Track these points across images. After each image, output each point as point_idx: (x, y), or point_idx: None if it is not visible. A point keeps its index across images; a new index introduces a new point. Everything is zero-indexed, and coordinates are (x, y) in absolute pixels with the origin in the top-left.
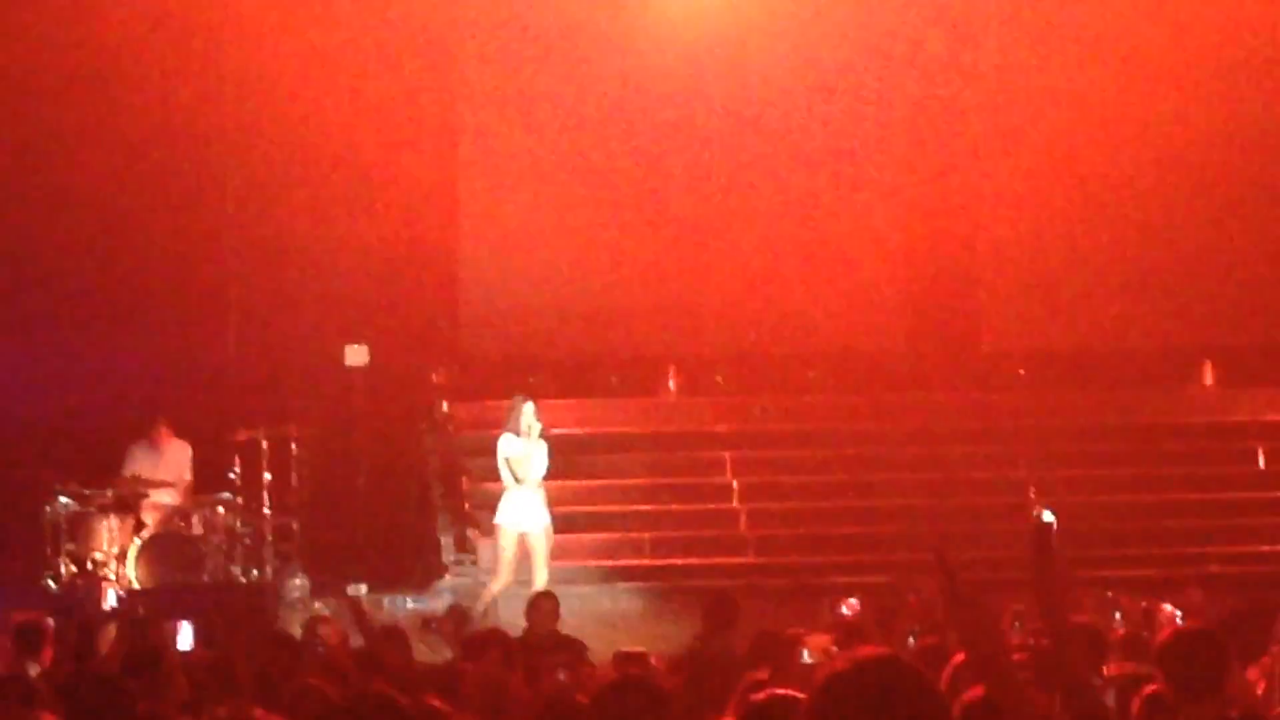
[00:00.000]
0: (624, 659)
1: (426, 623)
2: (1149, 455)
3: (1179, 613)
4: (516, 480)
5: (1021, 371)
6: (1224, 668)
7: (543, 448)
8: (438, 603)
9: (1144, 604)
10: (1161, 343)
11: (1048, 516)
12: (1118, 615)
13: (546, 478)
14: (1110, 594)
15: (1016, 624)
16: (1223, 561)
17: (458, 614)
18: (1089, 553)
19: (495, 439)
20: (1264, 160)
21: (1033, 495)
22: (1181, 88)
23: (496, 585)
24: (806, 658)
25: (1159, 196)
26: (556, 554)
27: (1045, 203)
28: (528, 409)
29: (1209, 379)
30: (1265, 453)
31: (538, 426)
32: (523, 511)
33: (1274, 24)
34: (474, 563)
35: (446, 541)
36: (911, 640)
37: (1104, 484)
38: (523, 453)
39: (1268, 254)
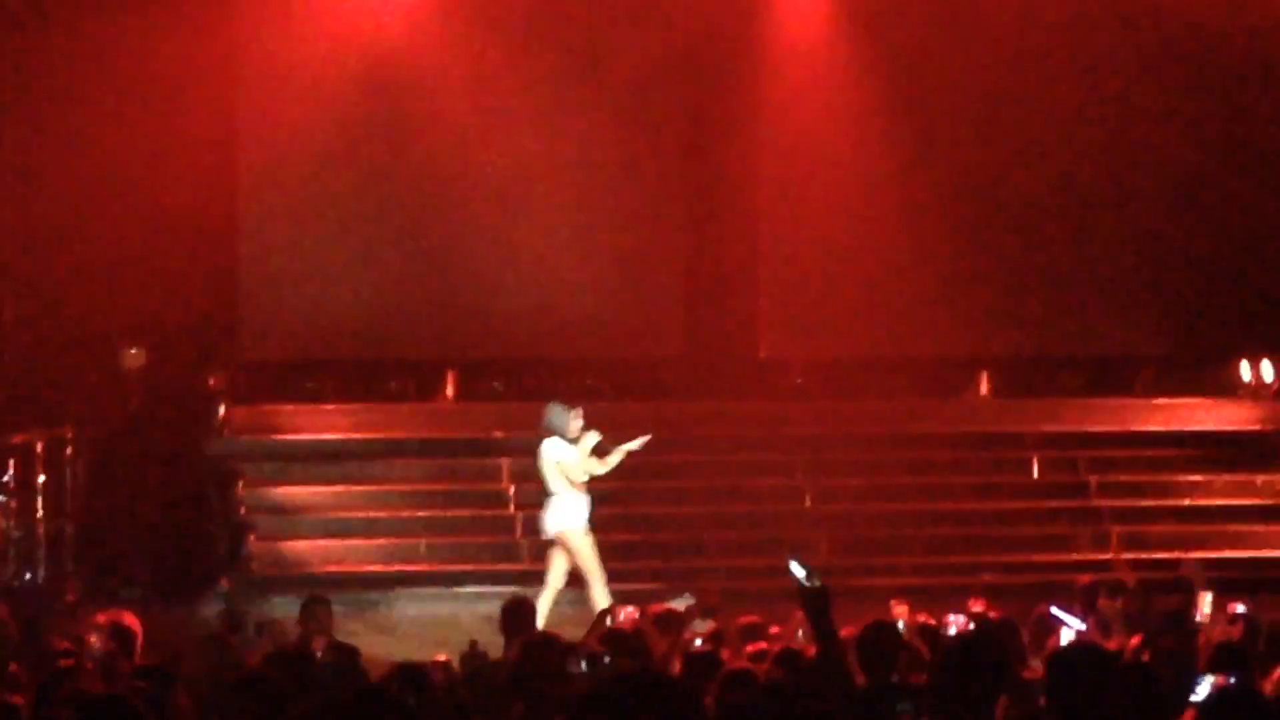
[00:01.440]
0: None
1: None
2: (925, 464)
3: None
4: (572, 484)
5: (799, 380)
6: (1001, 674)
7: (586, 448)
8: (209, 609)
9: (923, 616)
10: (938, 353)
11: (797, 570)
12: (900, 625)
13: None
14: (893, 603)
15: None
16: (997, 571)
17: (229, 619)
18: (865, 561)
19: (286, 443)
20: (1040, 174)
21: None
22: (964, 96)
23: (599, 588)
24: (583, 667)
25: (936, 206)
26: (331, 561)
27: (825, 211)
28: (559, 411)
29: (984, 389)
30: (1039, 462)
31: (579, 425)
32: (582, 513)
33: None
34: (249, 568)
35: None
36: (699, 642)
37: (880, 492)
38: (574, 458)
39: (1041, 265)
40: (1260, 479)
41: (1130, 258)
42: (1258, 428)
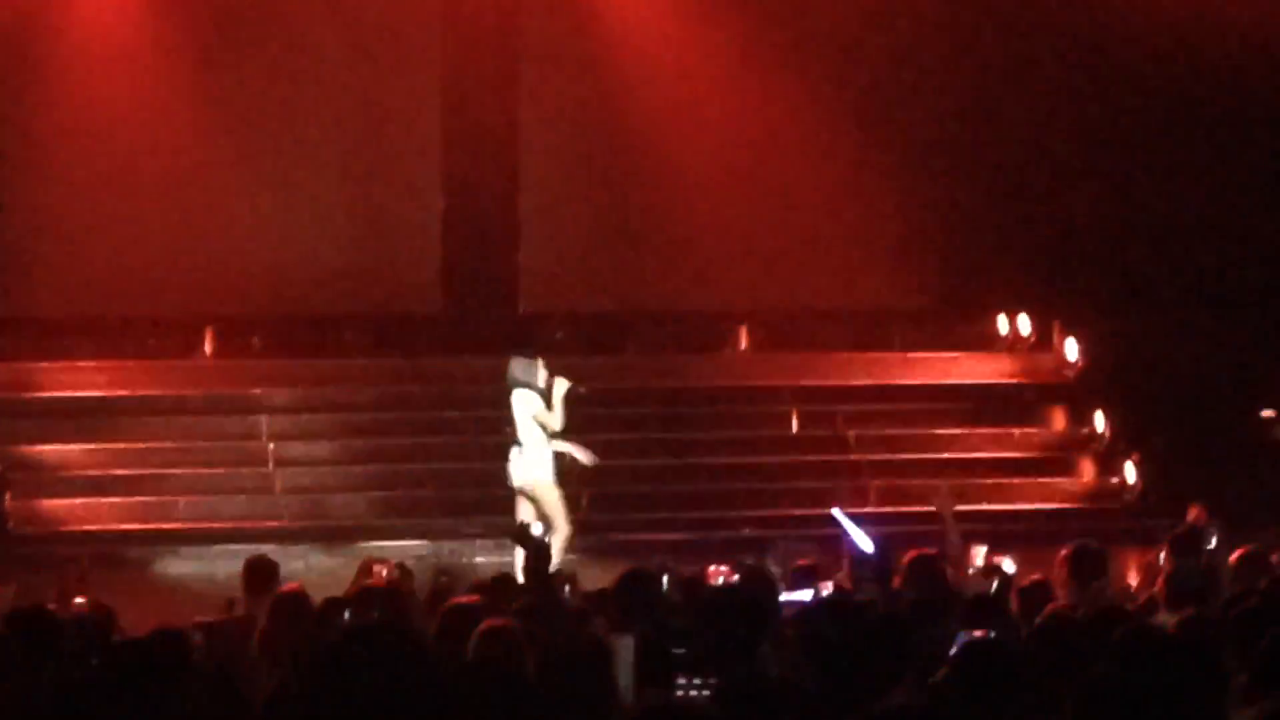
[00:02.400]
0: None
1: None
2: (685, 419)
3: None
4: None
5: (559, 335)
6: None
7: (538, 400)
8: None
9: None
10: (698, 307)
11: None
12: (665, 580)
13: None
14: (658, 559)
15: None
16: (757, 525)
17: None
18: (624, 517)
19: (43, 400)
20: (797, 130)
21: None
22: (726, 63)
23: (561, 536)
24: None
25: (694, 161)
26: (89, 519)
27: (585, 164)
28: (539, 365)
29: (744, 343)
30: (798, 416)
31: (539, 377)
32: (550, 464)
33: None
34: (5, 527)
35: None
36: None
37: (639, 448)
38: (546, 408)
39: (798, 220)
40: (1017, 432)
41: (887, 212)
42: (1015, 381)
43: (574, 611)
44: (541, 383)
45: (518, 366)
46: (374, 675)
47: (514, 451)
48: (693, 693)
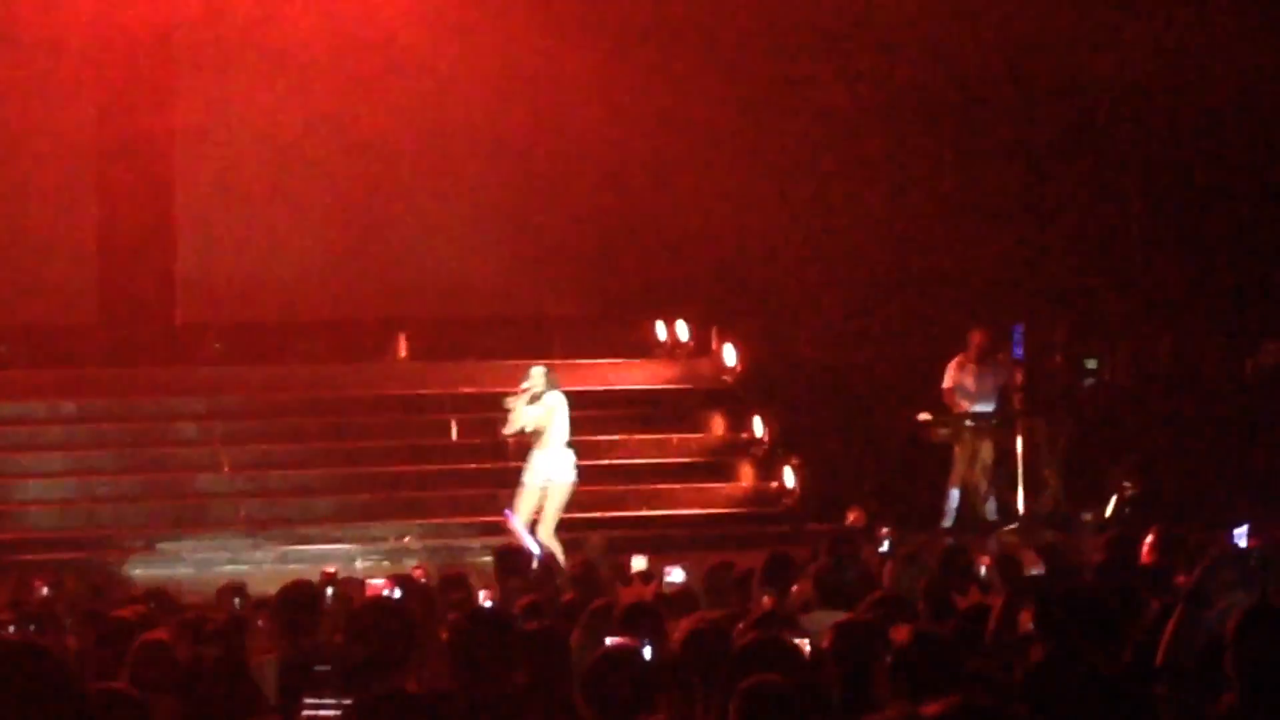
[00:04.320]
0: None
1: None
2: (346, 428)
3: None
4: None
5: (218, 345)
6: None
7: (561, 406)
8: None
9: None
10: (355, 316)
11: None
12: (329, 592)
13: None
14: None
15: None
16: (421, 534)
17: None
18: (288, 530)
19: None
20: (452, 141)
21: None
22: (384, 72)
23: (545, 531)
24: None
25: (345, 168)
26: None
27: (242, 174)
28: (537, 373)
29: (403, 351)
30: (458, 425)
31: (554, 387)
32: (548, 466)
33: None
34: None
35: None
36: None
37: (301, 458)
38: (540, 415)
39: (456, 228)
40: (676, 438)
41: (543, 220)
42: (674, 387)
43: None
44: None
45: (549, 373)
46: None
47: (542, 451)
48: (322, 713)
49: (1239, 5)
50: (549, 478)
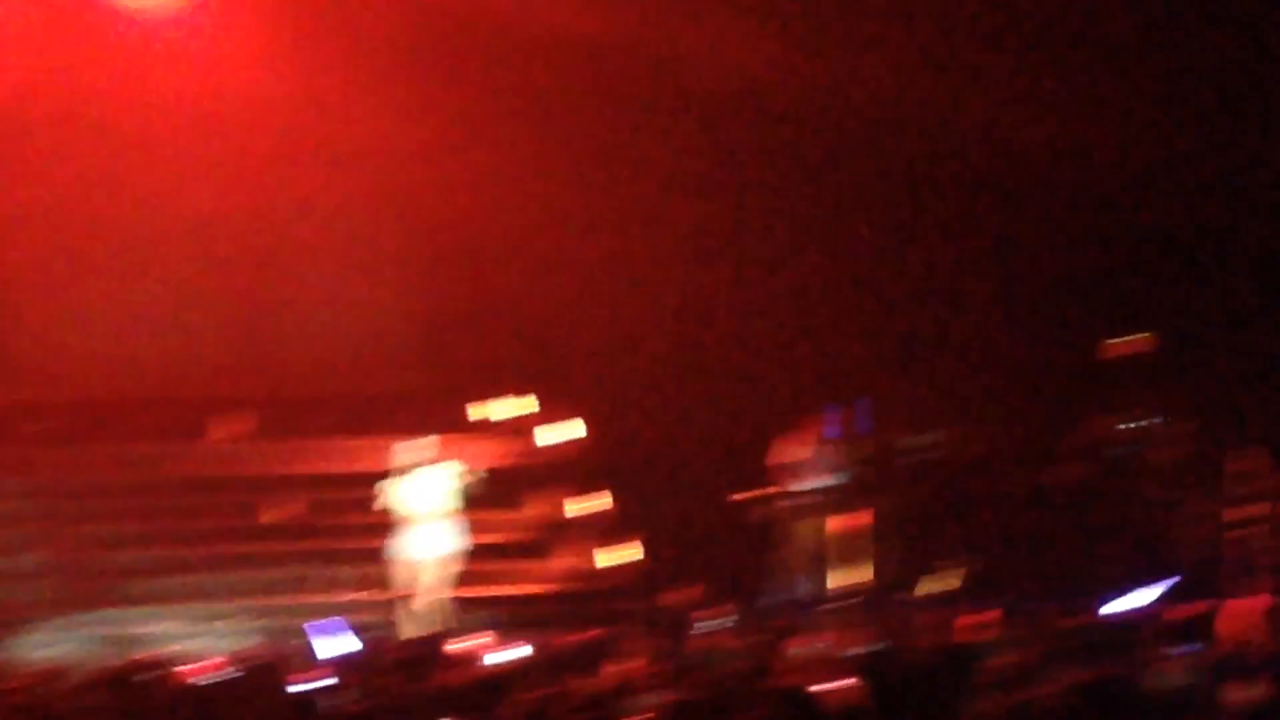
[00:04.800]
0: None
1: None
2: (166, 509)
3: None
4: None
5: (36, 425)
6: None
7: (439, 479)
8: None
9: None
10: (179, 393)
11: None
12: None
13: None
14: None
15: None
16: (246, 615)
17: None
18: (100, 612)
19: None
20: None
21: None
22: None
23: (414, 611)
24: None
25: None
26: None
27: (49, 247)
28: (413, 447)
29: (228, 431)
30: (286, 503)
31: (432, 459)
32: (425, 540)
33: None
34: None
35: None
36: None
37: (122, 538)
38: (418, 488)
39: (274, 306)
40: (511, 515)
41: (370, 295)
42: (502, 464)
43: None
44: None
45: (417, 447)
46: None
47: (421, 526)
48: None
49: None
50: (429, 551)
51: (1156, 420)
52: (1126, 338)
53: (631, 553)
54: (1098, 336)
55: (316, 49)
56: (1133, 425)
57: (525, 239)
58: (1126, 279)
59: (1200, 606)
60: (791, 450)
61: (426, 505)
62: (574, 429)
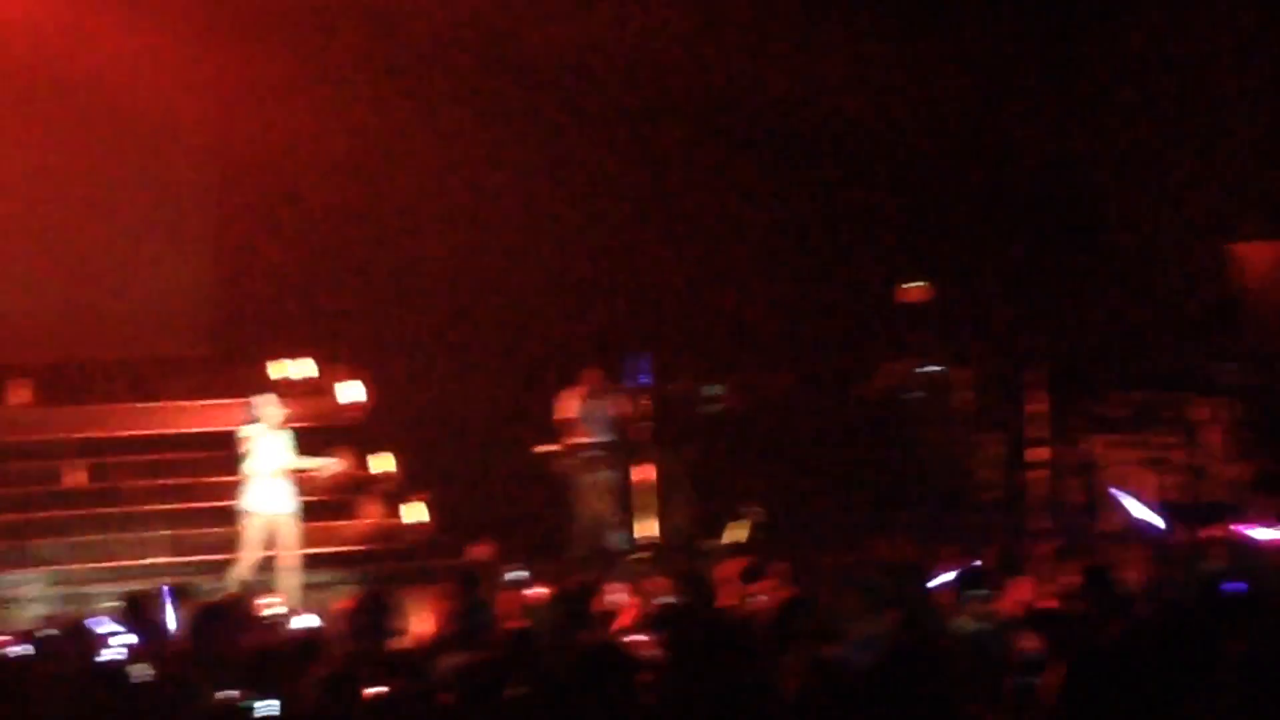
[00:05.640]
0: None
1: None
2: None
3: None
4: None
5: None
6: None
7: (284, 437)
8: None
9: None
10: None
11: None
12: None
13: None
14: None
15: None
16: (45, 583)
17: None
18: None
19: None
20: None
21: None
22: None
23: (243, 566)
24: None
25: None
26: None
27: None
28: (261, 400)
29: (18, 397)
30: (78, 470)
31: (277, 417)
32: (267, 497)
33: None
34: None
35: None
36: None
37: None
38: (261, 441)
39: (69, 273)
40: (300, 476)
41: (165, 261)
42: (297, 425)
43: None
44: (264, 418)
45: (267, 403)
46: None
47: (262, 481)
48: None
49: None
50: (276, 509)
51: (942, 366)
52: (911, 284)
53: (422, 511)
54: (883, 282)
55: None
56: (921, 370)
57: (314, 192)
58: (910, 224)
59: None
60: (575, 404)
61: (255, 459)
62: (356, 390)
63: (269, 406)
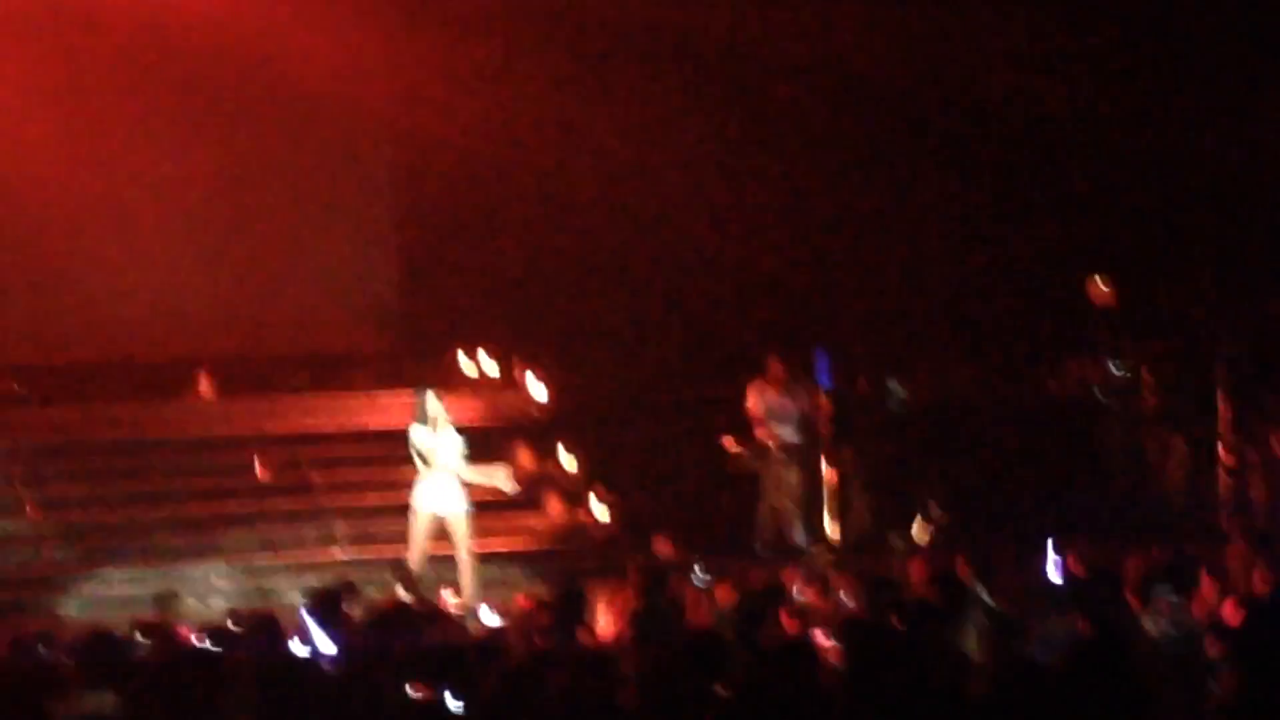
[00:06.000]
0: None
1: None
2: (148, 469)
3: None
4: (426, 466)
5: (17, 387)
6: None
7: (453, 434)
8: None
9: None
10: (159, 354)
11: None
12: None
13: None
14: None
15: None
16: (230, 575)
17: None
18: (97, 570)
19: None
20: (241, 180)
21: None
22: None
23: (412, 564)
24: None
25: (154, 203)
26: None
27: (37, 214)
28: (428, 398)
29: (206, 390)
30: (263, 462)
31: (444, 413)
32: (437, 496)
33: None
34: None
35: None
36: None
37: (105, 500)
38: (430, 441)
39: (257, 261)
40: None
41: (344, 253)
42: (479, 422)
43: None
44: (430, 417)
45: (433, 400)
46: None
47: (427, 480)
48: None
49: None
50: (446, 508)
51: (1130, 364)
52: (1099, 280)
53: (610, 508)
54: (1070, 279)
55: None
56: (1108, 369)
57: (496, 190)
58: (1099, 219)
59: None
60: (761, 398)
61: (423, 461)
62: (539, 386)
63: (434, 404)
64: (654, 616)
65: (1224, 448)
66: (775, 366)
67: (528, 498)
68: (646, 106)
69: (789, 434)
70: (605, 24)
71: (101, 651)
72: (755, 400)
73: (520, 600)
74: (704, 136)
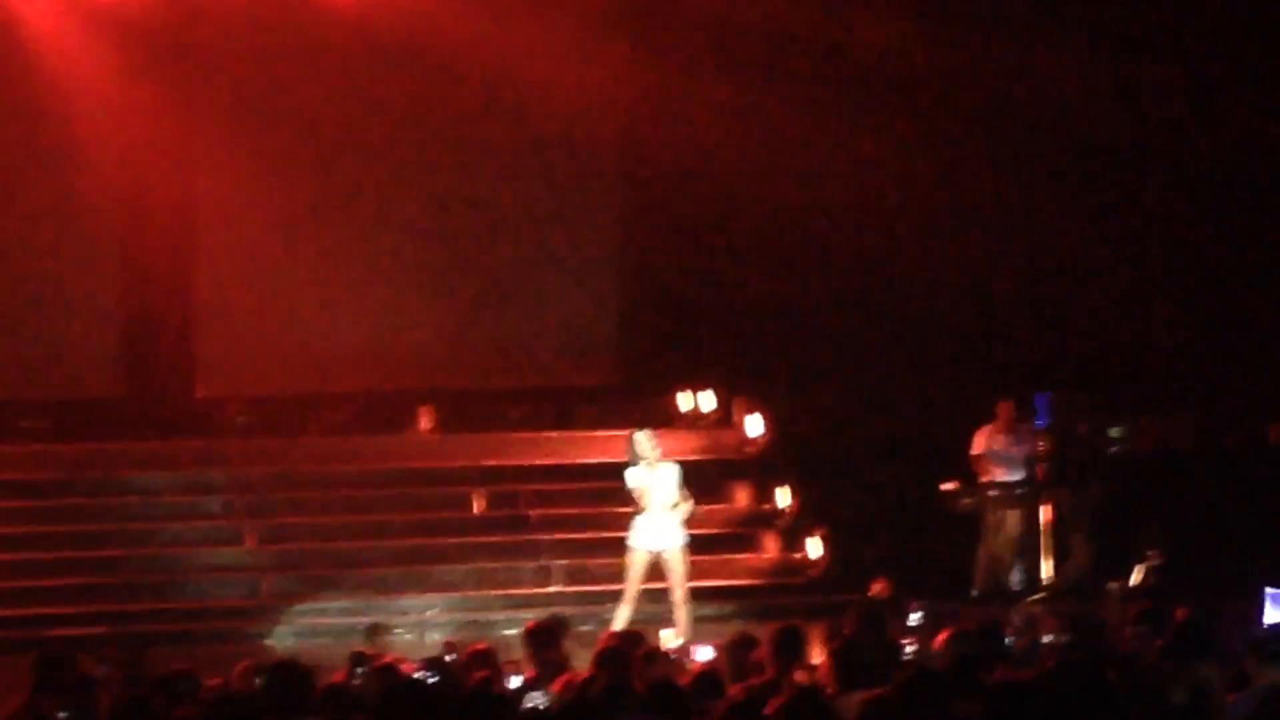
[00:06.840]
0: None
1: None
2: (368, 502)
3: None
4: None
5: (241, 418)
6: None
7: (668, 472)
8: None
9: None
10: (378, 387)
11: None
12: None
13: None
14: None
15: None
16: (445, 609)
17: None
18: (312, 603)
19: None
20: (472, 204)
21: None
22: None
23: (625, 606)
24: None
25: (366, 242)
26: None
27: (258, 246)
28: (640, 439)
29: (425, 424)
30: (481, 497)
31: (657, 452)
32: (654, 534)
33: None
34: None
35: None
36: None
37: (326, 531)
38: (646, 480)
39: (479, 299)
40: (700, 509)
41: (564, 291)
42: (697, 458)
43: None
44: (643, 456)
45: (646, 440)
46: None
47: (650, 518)
48: None
49: None
50: (662, 545)
51: None
52: None
53: (819, 546)
54: None
55: None
56: None
57: (711, 224)
58: None
59: None
60: (988, 440)
61: (641, 497)
62: (757, 422)
63: (646, 443)
64: (868, 655)
65: None
66: (1006, 410)
67: (743, 534)
68: (877, 143)
69: (1010, 475)
70: (834, 56)
71: (317, 682)
72: (982, 444)
73: (734, 637)
74: (937, 175)
